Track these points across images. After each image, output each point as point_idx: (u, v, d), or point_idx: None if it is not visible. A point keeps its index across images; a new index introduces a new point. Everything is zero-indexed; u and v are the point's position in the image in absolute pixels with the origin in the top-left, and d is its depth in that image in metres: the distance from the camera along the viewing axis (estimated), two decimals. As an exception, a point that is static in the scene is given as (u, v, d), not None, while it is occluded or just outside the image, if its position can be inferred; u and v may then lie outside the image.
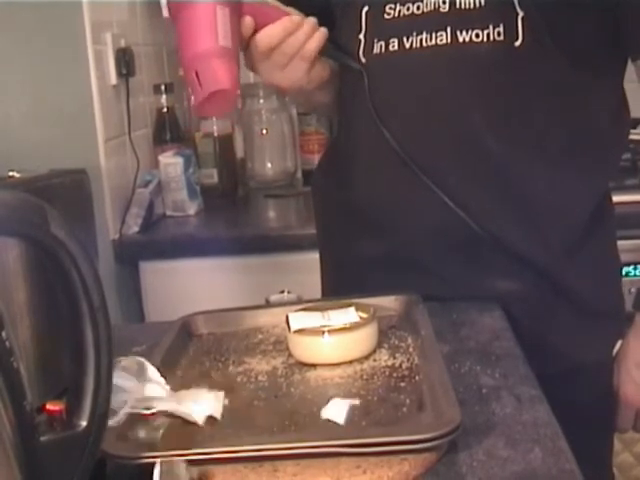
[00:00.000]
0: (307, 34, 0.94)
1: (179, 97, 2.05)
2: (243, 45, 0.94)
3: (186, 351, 0.91)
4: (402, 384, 0.76)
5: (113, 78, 1.70)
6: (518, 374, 0.80)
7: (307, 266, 1.65)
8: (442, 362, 0.76)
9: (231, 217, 1.90)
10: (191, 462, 0.65)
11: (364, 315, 0.85)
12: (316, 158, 2.15)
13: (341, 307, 0.88)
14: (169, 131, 1.93)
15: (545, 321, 1.00)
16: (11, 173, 0.87)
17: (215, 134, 1.94)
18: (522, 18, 0.92)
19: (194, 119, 2.01)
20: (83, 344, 0.56)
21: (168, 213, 1.83)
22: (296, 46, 0.94)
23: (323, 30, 0.96)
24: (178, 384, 0.82)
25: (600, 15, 0.93)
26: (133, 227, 1.69)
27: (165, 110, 1.92)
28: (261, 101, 2.12)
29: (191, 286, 1.64)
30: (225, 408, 0.75)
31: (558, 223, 0.99)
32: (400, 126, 0.98)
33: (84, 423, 0.56)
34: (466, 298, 0.99)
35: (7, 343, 0.50)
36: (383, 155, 0.99)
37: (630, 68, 0.98)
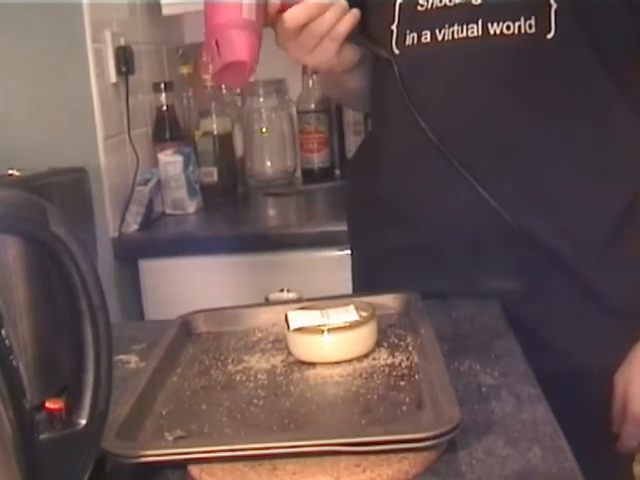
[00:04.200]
0: (336, 16, 0.92)
1: (179, 95, 2.05)
2: (270, 23, 0.92)
3: (185, 349, 0.91)
4: (401, 383, 0.76)
5: (113, 76, 1.71)
6: (517, 373, 0.80)
7: (306, 264, 1.65)
8: (442, 360, 0.76)
9: (230, 215, 1.90)
10: (190, 460, 0.65)
11: (363, 313, 0.85)
12: (316, 156, 2.15)
13: (340, 305, 0.88)
14: (169, 129, 1.93)
15: (567, 321, 1.00)
16: (10, 171, 0.87)
17: (215, 132, 1.93)
18: (555, 11, 0.92)
19: (194, 117, 2.01)
20: (83, 342, 0.56)
21: (168, 211, 1.83)
22: (324, 28, 0.92)
23: (355, 12, 0.94)
24: (177, 382, 0.82)
25: (633, 14, 0.94)
26: (132, 225, 1.69)
27: (165, 108, 1.92)
28: (261, 99, 2.12)
29: (190, 284, 1.64)
30: (224, 407, 0.75)
31: (587, 220, 0.98)
32: (433, 117, 0.98)
33: (84, 421, 0.56)
34: (485, 293, 0.99)
35: (7, 341, 0.50)
36: (417, 146, 1.00)
37: None
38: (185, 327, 0.95)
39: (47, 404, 0.56)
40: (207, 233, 1.76)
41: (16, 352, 0.51)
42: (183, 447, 0.66)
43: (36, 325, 0.72)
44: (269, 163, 2.12)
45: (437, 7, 0.98)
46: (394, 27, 1.01)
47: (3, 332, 0.50)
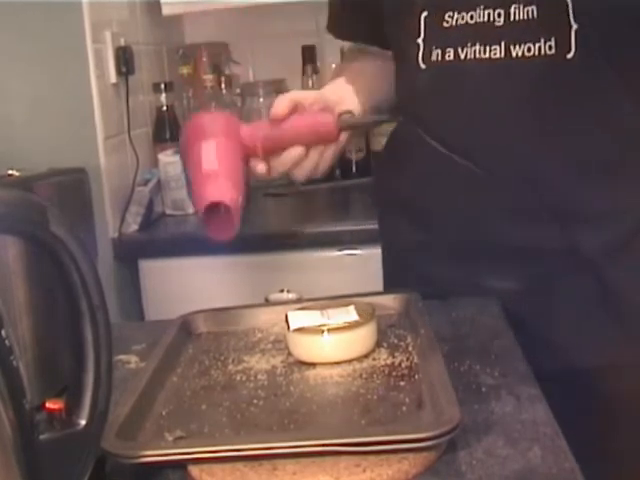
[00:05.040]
0: (314, 162, 0.97)
1: (179, 96, 2.05)
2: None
3: (185, 350, 0.91)
4: (401, 383, 0.76)
5: (113, 77, 1.70)
6: (517, 373, 0.80)
7: (306, 264, 1.65)
8: (441, 361, 0.76)
9: (230, 216, 1.90)
10: (190, 460, 0.65)
11: (363, 314, 0.85)
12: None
13: (340, 306, 0.88)
14: (169, 130, 1.93)
15: (567, 320, 1.01)
16: (10, 171, 0.87)
17: (215, 133, 1.93)
18: (576, 31, 0.92)
19: (194, 118, 2.00)
20: (83, 342, 0.56)
21: (168, 212, 1.83)
22: (305, 172, 0.98)
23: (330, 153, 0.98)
24: (177, 382, 0.82)
25: None
26: (132, 225, 1.69)
27: (165, 109, 1.92)
28: (261, 99, 2.12)
29: (190, 284, 1.64)
30: (224, 407, 0.75)
31: (603, 227, 0.99)
32: (450, 138, 1.01)
33: (83, 421, 0.56)
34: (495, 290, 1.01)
35: (7, 342, 0.50)
36: (437, 160, 1.02)
37: None
38: (185, 327, 0.95)
39: (47, 404, 0.56)
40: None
41: (16, 352, 0.51)
42: (183, 447, 0.66)
43: (36, 325, 0.72)
44: (269, 163, 2.12)
45: (459, 24, 0.98)
46: (420, 41, 1.01)
47: (3, 332, 0.50)
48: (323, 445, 0.63)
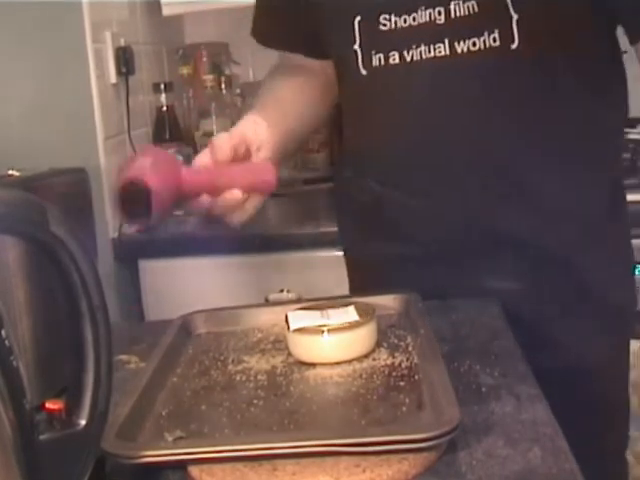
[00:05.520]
0: (249, 213, 0.92)
1: (179, 96, 2.05)
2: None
3: (185, 350, 0.91)
4: (401, 383, 0.76)
5: (113, 77, 1.71)
6: (517, 373, 0.80)
7: (306, 265, 1.65)
8: (441, 361, 0.76)
9: (230, 216, 1.90)
10: (190, 461, 0.65)
11: (363, 314, 0.85)
12: (316, 157, 2.15)
13: (340, 306, 0.88)
14: (169, 130, 1.93)
15: (565, 319, 1.01)
16: (10, 171, 0.87)
17: (215, 133, 1.93)
18: (517, 21, 0.92)
19: (194, 117, 2.01)
20: (83, 343, 0.56)
21: (168, 212, 1.83)
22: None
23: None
24: (177, 383, 0.82)
25: (595, 11, 0.94)
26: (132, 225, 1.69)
27: (165, 109, 1.92)
28: (261, 100, 2.12)
29: (190, 285, 1.64)
30: (224, 407, 0.75)
31: (571, 218, 0.99)
32: (405, 140, 1.00)
33: (83, 422, 0.56)
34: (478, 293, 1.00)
35: (6, 342, 0.50)
36: (396, 159, 1.02)
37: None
38: (185, 327, 0.95)
39: (47, 405, 0.56)
40: (207, 233, 1.76)
41: (16, 352, 0.51)
42: (183, 447, 0.66)
43: (36, 325, 0.72)
44: (269, 163, 2.12)
45: (402, 27, 0.97)
46: (357, 47, 1.00)
47: (3, 333, 0.50)
48: (323, 445, 0.63)
